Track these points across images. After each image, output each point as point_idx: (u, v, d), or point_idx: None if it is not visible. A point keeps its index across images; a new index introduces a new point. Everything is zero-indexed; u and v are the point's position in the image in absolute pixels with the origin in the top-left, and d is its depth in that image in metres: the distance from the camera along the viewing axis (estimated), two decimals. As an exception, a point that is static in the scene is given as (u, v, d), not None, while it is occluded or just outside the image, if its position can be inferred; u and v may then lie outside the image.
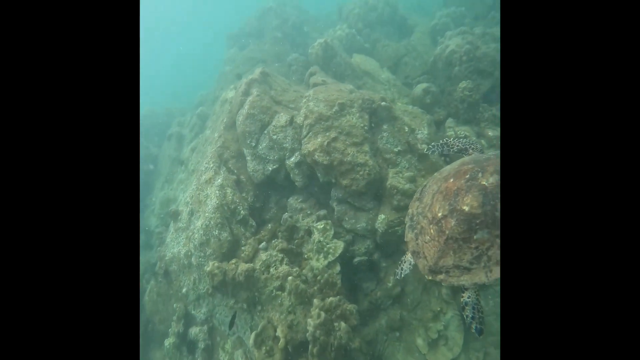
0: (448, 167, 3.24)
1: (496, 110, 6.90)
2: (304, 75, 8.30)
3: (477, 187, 2.71)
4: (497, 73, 7.36)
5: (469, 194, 2.71)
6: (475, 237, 2.66)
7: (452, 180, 2.89)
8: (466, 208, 2.70)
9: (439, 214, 2.79)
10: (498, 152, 3.03)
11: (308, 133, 5.90)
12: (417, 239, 3.05)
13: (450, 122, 6.97)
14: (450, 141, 3.82)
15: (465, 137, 3.81)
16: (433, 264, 2.83)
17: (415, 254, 3.06)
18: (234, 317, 5.39)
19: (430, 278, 2.89)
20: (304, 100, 6.35)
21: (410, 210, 3.26)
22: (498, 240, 2.65)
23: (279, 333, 4.78)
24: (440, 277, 2.84)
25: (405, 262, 3.41)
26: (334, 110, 6.02)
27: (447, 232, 2.73)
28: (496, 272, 2.67)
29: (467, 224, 2.69)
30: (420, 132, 6.31)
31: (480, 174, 2.78)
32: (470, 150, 3.65)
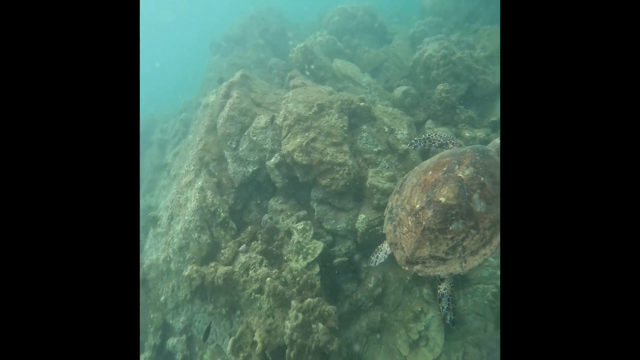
0: (428, 161, 3.24)
1: (472, 112, 6.92)
2: (284, 79, 8.20)
3: (453, 178, 2.72)
4: (473, 77, 7.41)
5: (445, 185, 2.72)
6: (450, 228, 2.67)
7: (430, 172, 2.89)
8: (442, 199, 2.70)
9: (417, 206, 2.80)
10: (476, 146, 3.07)
11: (287, 134, 5.77)
12: (395, 231, 3.04)
13: (429, 123, 6.95)
14: (432, 136, 3.82)
15: (446, 134, 3.78)
16: (410, 255, 2.82)
17: (392, 245, 3.06)
18: (208, 328, 5.16)
19: (406, 268, 2.88)
20: (283, 101, 6.24)
21: (390, 203, 3.22)
22: (472, 231, 2.67)
23: (256, 338, 4.57)
24: (417, 267, 2.83)
25: (381, 251, 3.34)
26: (313, 111, 5.91)
27: (423, 222, 2.72)
28: (471, 263, 2.69)
29: (443, 215, 2.69)
30: (400, 132, 6.24)
31: (457, 167, 2.79)
32: (450, 145, 3.64)
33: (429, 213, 2.69)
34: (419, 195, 2.82)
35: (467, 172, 2.73)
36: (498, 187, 2.74)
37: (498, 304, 4.50)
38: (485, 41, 10.49)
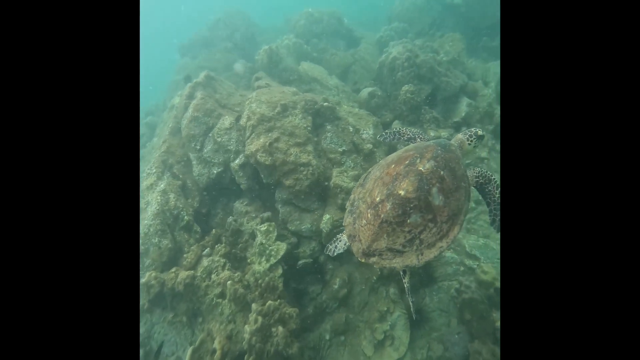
0: (393, 155, 3.18)
1: (436, 113, 6.91)
2: (251, 81, 7.96)
3: (414, 172, 2.68)
4: (436, 79, 7.42)
5: (406, 179, 2.67)
6: (408, 220, 2.61)
7: (393, 166, 2.85)
8: (402, 192, 2.63)
9: (377, 199, 2.73)
10: (439, 140, 3.06)
11: (251, 134, 5.54)
12: (354, 223, 2.97)
13: (396, 124, 6.90)
14: (402, 130, 3.73)
15: (415, 129, 3.71)
16: (366, 247, 2.75)
17: (351, 237, 2.97)
18: (160, 346, 4.82)
19: (363, 260, 2.80)
20: (247, 102, 6.01)
21: (352, 196, 3.17)
22: (430, 224, 2.63)
23: (215, 345, 4.29)
24: (373, 259, 2.76)
25: (340, 241, 3.22)
26: (276, 111, 5.71)
27: (382, 215, 2.65)
28: (427, 255, 2.65)
29: (402, 207, 2.62)
30: (365, 132, 6.13)
31: (418, 160, 2.76)
32: (418, 139, 3.56)
33: (388, 206, 2.62)
34: (380, 189, 2.76)
35: (427, 165, 2.70)
36: (457, 180, 2.75)
37: (461, 299, 4.42)
38: (448, 47, 10.63)
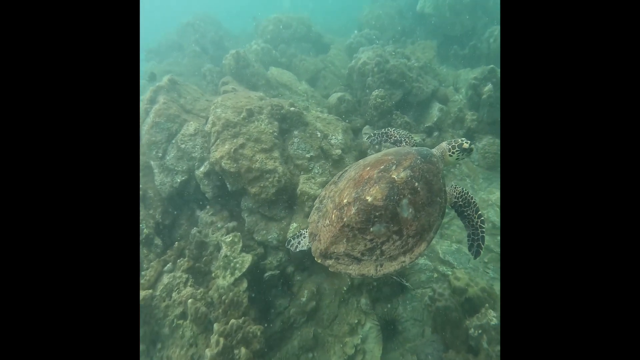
0: (372, 156, 3.03)
1: (408, 118, 6.81)
2: (218, 86, 7.66)
3: (386, 179, 2.53)
4: (407, 84, 7.35)
5: (376, 185, 2.52)
6: (371, 229, 2.46)
7: (368, 168, 2.70)
8: (369, 198, 2.48)
9: (344, 201, 2.58)
10: (421, 148, 2.90)
11: (216, 140, 5.24)
12: (318, 221, 2.82)
13: (367, 129, 6.75)
14: (390, 131, 3.56)
15: (404, 131, 3.52)
16: (324, 249, 2.61)
17: (312, 235, 2.83)
18: None
19: (319, 261, 2.66)
20: (212, 107, 5.71)
21: (323, 193, 3.04)
22: (395, 237, 2.47)
23: (173, 371, 3.93)
24: (329, 262, 2.61)
25: (304, 238, 3.00)
26: (241, 116, 5.44)
27: (345, 219, 2.50)
28: (387, 268, 2.48)
29: (366, 214, 2.47)
30: (334, 137, 5.93)
31: (394, 167, 2.61)
32: (404, 143, 3.43)
33: (353, 210, 2.48)
34: (350, 190, 2.61)
35: (402, 174, 2.54)
36: (432, 195, 2.59)
37: (434, 307, 4.25)
38: (420, 54, 10.70)
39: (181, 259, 5.14)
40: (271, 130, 5.47)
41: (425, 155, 2.75)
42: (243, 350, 3.76)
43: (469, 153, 2.99)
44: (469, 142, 2.96)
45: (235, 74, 7.56)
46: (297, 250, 3.11)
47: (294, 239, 3.12)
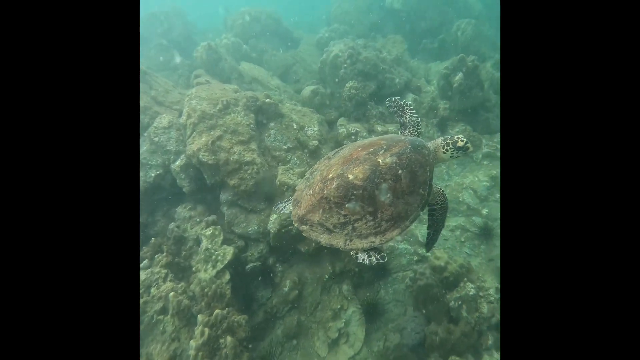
0: (369, 139, 3.14)
1: (383, 109, 7.03)
2: (190, 79, 7.59)
3: (371, 161, 2.66)
4: (381, 76, 7.58)
5: (361, 165, 2.65)
6: (347, 205, 2.59)
7: (360, 149, 2.81)
8: (350, 177, 2.62)
9: (330, 175, 2.71)
10: (416, 139, 2.97)
11: (192, 133, 5.23)
12: (304, 190, 2.95)
13: (341, 120, 6.89)
14: (406, 108, 3.39)
15: (416, 116, 3.38)
16: (302, 215, 2.75)
17: (295, 201, 2.96)
18: None
19: (296, 225, 2.82)
20: (186, 98, 5.68)
21: (316, 166, 3.15)
22: (368, 217, 2.61)
23: (156, 367, 3.92)
24: (304, 227, 2.75)
25: (288, 203, 3.15)
26: (217, 108, 5.45)
27: (325, 191, 2.65)
28: (355, 244, 2.62)
29: (345, 191, 2.61)
30: (310, 128, 6.05)
31: (382, 152, 2.72)
32: (408, 129, 3.34)
33: (334, 185, 2.62)
34: (337, 167, 2.75)
35: (387, 160, 2.65)
36: (415, 185, 2.70)
37: (416, 286, 4.46)
38: (390, 47, 10.99)
39: (159, 255, 5.09)
40: (248, 122, 5.51)
41: (416, 146, 2.81)
42: (229, 338, 3.81)
43: (464, 151, 2.95)
44: (464, 140, 2.93)
45: (208, 67, 7.52)
46: (281, 212, 3.22)
47: (281, 203, 3.25)
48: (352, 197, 2.56)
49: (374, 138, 3.06)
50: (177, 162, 5.45)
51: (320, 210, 2.65)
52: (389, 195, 2.59)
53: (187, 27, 11.21)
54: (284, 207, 3.16)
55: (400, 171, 2.64)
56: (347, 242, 2.62)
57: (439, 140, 3.05)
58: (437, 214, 3.06)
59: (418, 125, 3.34)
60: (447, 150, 2.96)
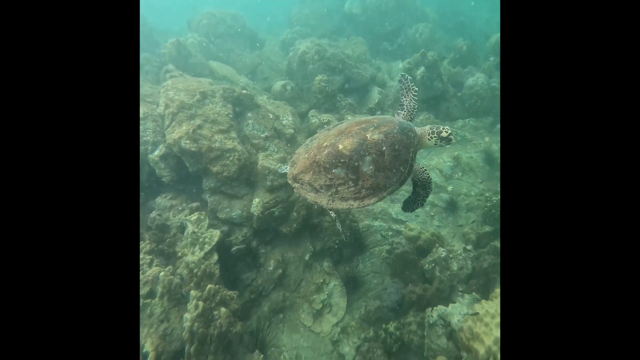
0: (366, 117, 3.49)
1: (351, 100, 7.61)
2: (158, 76, 7.73)
3: (360, 136, 3.02)
4: (347, 71, 8.17)
5: (351, 138, 3.02)
6: (333, 170, 2.98)
7: (354, 124, 3.18)
8: (340, 147, 3.00)
9: (325, 143, 3.08)
10: (404, 122, 3.24)
11: (172, 122, 5.44)
12: (300, 154, 3.32)
13: (313, 112, 7.35)
14: (411, 91, 3.59)
15: (415, 103, 3.59)
16: (296, 174, 3.16)
17: (292, 163, 3.36)
18: None
19: (290, 182, 3.23)
20: (163, 89, 5.87)
21: (316, 135, 3.52)
22: (350, 183, 3.01)
23: (147, 347, 4.07)
24: (296, 185, 3.17)
25: (287, 166, 3.55)
26: (195, 98, 5.71)
27: (317, 156, 3.04)
28: (337, 204, 3.03)
29: (334, 158, 3.00)
30: (285, 118, 6.46)
31: (372, 128, 3.07)
32: (404, 112, 3.59)
33: (325, 152, 3.01)
34: (332, 137, 3.12)
35: (375, 136, 3.00)
36: (396, 162, 3.05)
37: (390, 259, 4.97)
38: (354, 47, 11.73)
39: (142, 242, 5.24)
40: (226, 112, 5.82)
41: (404, 129, 3.14)
42: (223, 309, 4.09)
43: (447, 141, 3.23)
44: (449, 131, 3.21)
45: (178, 63, 7.71)
46: (282, 172, 3.61)
47: (283, 163, 3.61)
48: (339, 164, 2.95)
49: (369, 117, 3.42)
50: (156, 152, 5.62)
51: (311, 172, 3.04)
52: (371, 167, 2.96)
53: (148, 26, 11.24)
54: (285, 167, 3.56)
55: (384, 148, 2.98)
56: (330, 202, 3.02)
57: (427, 127, 3.33)
58: (419, 189, 3.44)
59: (413, 112, 3.59)
60: (431, 137, 3.25)
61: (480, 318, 3.31)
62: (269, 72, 10.62)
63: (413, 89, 3.59)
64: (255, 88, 9.01)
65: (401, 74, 3.71)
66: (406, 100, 3.60)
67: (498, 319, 3.23)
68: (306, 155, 3.15)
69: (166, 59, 7.88)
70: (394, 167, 3.03)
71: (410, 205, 3.56)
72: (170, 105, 5.55)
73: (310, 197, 3.09)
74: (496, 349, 3.07)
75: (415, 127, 3.30)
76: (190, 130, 5.32)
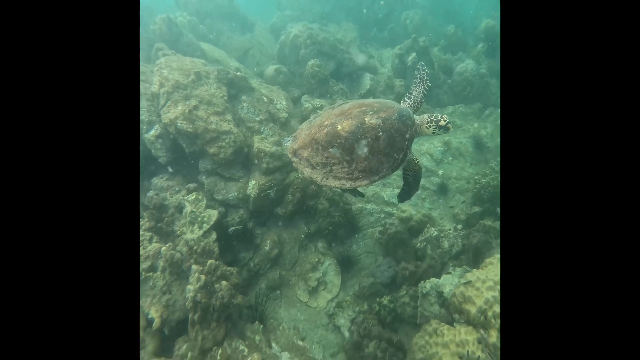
0: (369, 100, 3.57)
1: (343, 86, 7.78)
2: (149, 54, 7.69)
3: (359, 119, 3.13)
4: (339, 56, 8.30)
5: (349, 119, 3.13)
6: (330, 150, 3.11)
7: (356, 107, 3.28)
8: (339, 127, 3.12)
9: (326, 122, 3.21)
10: (404, 109, 3.28)
11: (167, 102, 5.50)
12: (302, 130, 3.47)
13: (306, 97, 7.50)
14: (424, 84, 3.65)
15: (421, 95, 3.62)
16: (296, 148, 3.31)
17: (294, 137, 3.52)
18: None
19: (290, 156, 3.39)
20: (156, 67, 5.90)
21: (320, 112, 3.62)
22: (345, 164, 3.14)
23: (152, 314, 4.27)
24: (295, 159, 3.33)
25: (290, 140, 3.70)
26: (190, 79, 5.78)
27: (317, 135, 3.17)
28: (330, 182, 3.18)
29: (331, 137, 3.13)
30: (279, 102, 6.60)
31: (371, 112, 3.16)
32: (410, 100, 3.64)
33: (324, 131, 3.15)
34: (334, 117, 3.23)
35: (373, 121, 3.08)
36: (390, 149, 3.13)
37: (384, 239, 5.24)
38: (344, 32, 11.84)
39: (141, 220, 5.36)
40: (221, 94, 5.92)
41: (402, 116, 3.18)
42: (224, 282, 4.28)
43: (445, 130, 3.27)
44: (447, 120, 3.25)
45: (169, 41, 7.67)
46: (286, 144, 3.72)
47: (288, 137, 3.72)
48: (336, 144, 3.06)
49: (372, 100, 3.50)
50: (152, 132, 5.67)
51: (310, 149, 3.18)
52: (365, 150, 3.06)
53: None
54: (288, 141, 3.71)
55: (380, 133, 3.06)
56: (324, 179, 3.17)
57: (425, 116, 3.38)
58: (410, 178, 3.55)
59: (419, 104, 3.62)
60: (430, 126, 3.29)
61: (472, 284, 3.61)
62: (259, 57, 10.64)
63: (426, 82, 3.62)
64: (247, 73, 9.07)
65: (420, 64, 3.75)
66: (415, 91, 3.62)
67: (488, 283, 3.52)
68: (307, 132, 3.29)
69: (156, 36, 7.82)
70: (387, 154, 3.11)
71: (405, 195, 3.65)
72: (165, 84, 5.61)
73: (307, 172, 3.24)
74: (487, 307, 3.37)
75: (414, 116, 3.36)
76: (187, 111, 5.41)
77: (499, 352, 3.25)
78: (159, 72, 5.74)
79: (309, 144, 3.21)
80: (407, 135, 3.17)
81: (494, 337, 3.26)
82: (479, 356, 3.15)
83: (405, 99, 3.63)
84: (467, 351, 3.16)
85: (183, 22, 9.53)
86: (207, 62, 8.19)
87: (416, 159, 3.48)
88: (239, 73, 6.29)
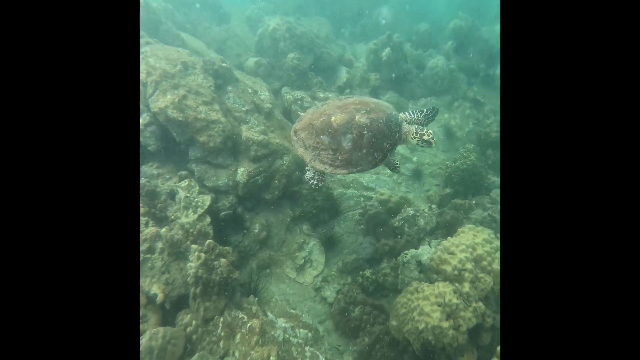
0: (369, 98, 3.99)
1: (321, 78, 8.35)
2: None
3: (351, 115, 3.57)
4: (317, 50, 8.85)
5: (343, 114, 3.58)
6: (321, 136, 3.61)
7: (355, 102, 3.72)
8: (332, 119, 3.60)
9: (327, 112, 3.68)
10: (394, 114, 3.68)
11: (155, 90, 5.82)
12: (308, 113, 3.91)
13: (286, 89, 7.98)
14: (428, 120, 4.00)
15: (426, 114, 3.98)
16: (297, 128, 3.80)
17: (300, 118, 3.97)
18: None
19: (291, 134, 3.86)
20: (142, 56, 6.13)
21: (328, 101, 4.02)
22: (330, 151, 3.61)
23: (155, 290, 4.69)
24: (294, 138, 3.82)
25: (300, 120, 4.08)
26: (177, 68, 6.10)
27: (315, 121, 3.66)
28: (316, 165, 3.69)
29: (325, 126, 3.62)
30: (262, 93, 7.06)
31: (363, 111, 3.60)
32: (413, 115, 3.96)
33: (322, 119, 3.63)
34: (334, 109, 3.70)
35: (362, 120, 3.51)
36: (372, 148, 3.56)
37: (364, 220, 5.89)
38: (318, 27, 12.38)
39: (132, 207, 5.69)
40: (208, 85, 6.31)
41: (390, 121, 3.56)
42: (222, 260, 4.75)
43: (427, 144, 3.57)
44: (430, 135, 3.55)
45: (148, 28, 7.84)
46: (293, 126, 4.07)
47: (298, 119, 4.05)
48: (327, 133, 3.54)
49: (374, 100, 3.90)
50: (140, 120, 6.01)
51: (307, 132, 3.67)
52: (349, 144, 3.51)
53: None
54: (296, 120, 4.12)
55: (365, 132, 3.48)
56: (311, 161, 3.67)
57: (413, 127, 3.71)
58: (391, 166, 4.06)
59: (419, 124, 3.86)
60: (414, 137, 3.62)
61: (447, 248, 4.33)
62: (236, 49, 10.95)
63: (430, 119, 3.96)
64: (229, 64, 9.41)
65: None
66: (420, 116, 3.94)
67: (461, 247, 4.22)
68: (310, 116, 3.77)
69: (135, 27, 7.99)
70: (368, 152, 3.53)
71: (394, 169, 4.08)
72: (153, 73, 5.88)
73: (300, 151, 3.77)
74: (460, 265, 4.08)
75: (404, 125, 3.73)
76: (176, 100, 5.75)
77: (471, 299, 3.98)
78: (145, 61, 6.00)
79: (308, 127, 3.67)
80: (390, 140, 3.58)
81: (466, 287, 3.99)
82: (455, 302, 3.87)
83: (410, 112, 3.97)
84: (445, 299, 3.87)
85: (157, 9, 9.64)
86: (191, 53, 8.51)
87: (396, 164, 3.95)
88: (224, 64, 6.68)
